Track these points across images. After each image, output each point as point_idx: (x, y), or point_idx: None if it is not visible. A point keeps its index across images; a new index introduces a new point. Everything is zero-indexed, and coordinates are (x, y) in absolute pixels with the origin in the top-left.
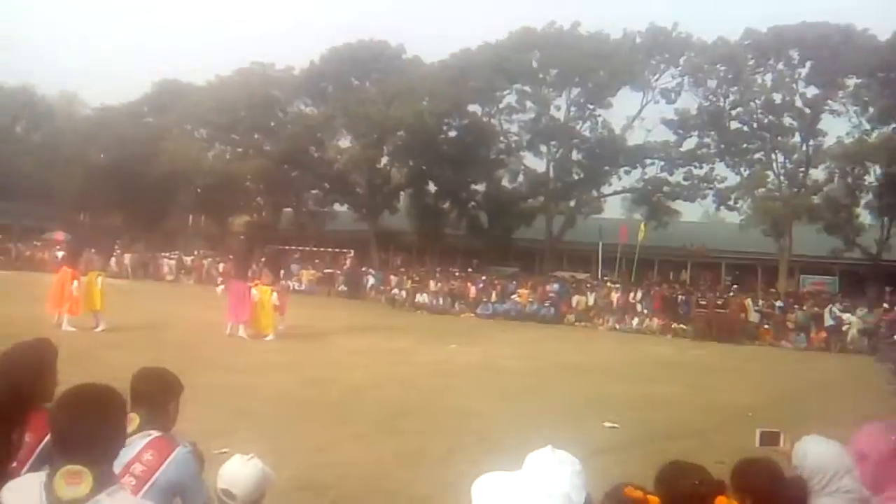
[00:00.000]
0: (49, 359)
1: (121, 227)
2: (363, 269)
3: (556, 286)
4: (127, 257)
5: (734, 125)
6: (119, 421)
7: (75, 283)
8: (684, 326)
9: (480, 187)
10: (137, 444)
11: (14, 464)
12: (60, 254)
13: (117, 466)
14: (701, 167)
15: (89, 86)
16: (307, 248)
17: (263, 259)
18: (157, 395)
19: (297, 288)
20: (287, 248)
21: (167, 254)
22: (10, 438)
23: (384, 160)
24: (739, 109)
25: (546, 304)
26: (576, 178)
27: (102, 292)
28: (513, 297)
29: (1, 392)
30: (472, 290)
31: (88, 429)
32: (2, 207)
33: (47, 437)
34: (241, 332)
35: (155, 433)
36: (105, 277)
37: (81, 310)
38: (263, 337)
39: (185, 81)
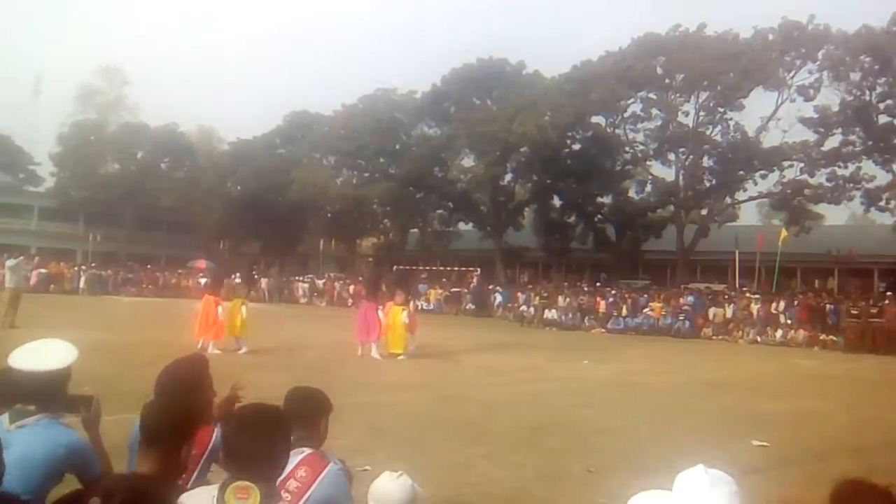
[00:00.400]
0: (207, 373)
1: (257, 253)
2: (490, 286)
3: (690, 298)
4: (263, 282)
5: (882, 119)
6: (287, 440)
7: (219, 308)
8: (834, 338)
9: (607, 199)
10: (292, 461)
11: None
12: (203, 281)
13: None
14: (846, 167)
15: (226, 121)
16: (434, 268)
17: (393, 280)
18: (310, 413)
19: (424, 308)
20: (414, 268)
21: (300, 277)
22: (180, 453)
23: (507, 177)
24: (889, 102)
25: (680, 318)
26: (707, 185)
27: (245, 318)
28: (645, 311)
29: (172, 407)
30: (602, 305)
31: (261, 446)
32: (149, 238)
33: (208, 451)
34: (373, 353)
35: (307, 450)
36: (247, 304)
37: (225, 335)
38: (396, 357)
39: (313, 112)
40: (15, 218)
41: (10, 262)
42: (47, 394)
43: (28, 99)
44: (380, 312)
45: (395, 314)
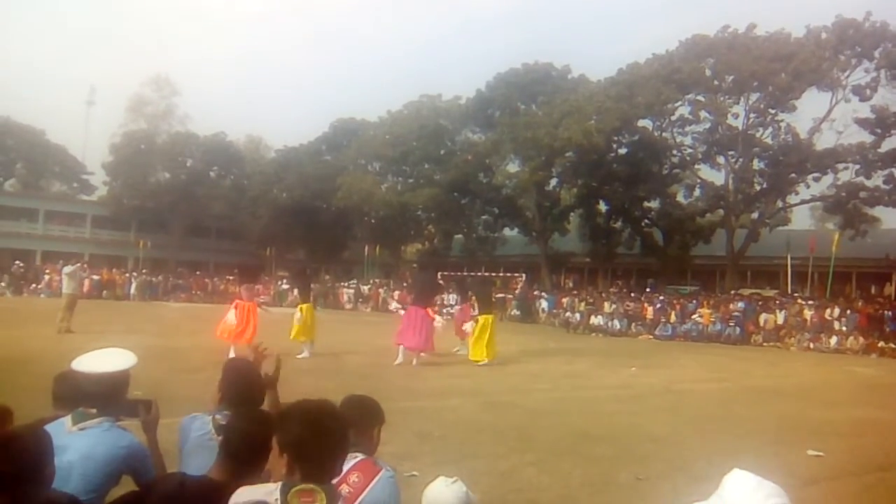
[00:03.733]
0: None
1: (304, 259)
2: (535, 292)
3: (740, 304)
4: (311, 288)
5: None
6: (347, 440)
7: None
8: (893, 345)
9: (654, 204)
10: (345, 466)
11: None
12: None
13: None
14: None
15: (273, 129)
16: (479, 274)
17: (471, 287)
18: (364, 420)
19: (470, 314)
20: (459, 274)
21: (345, 283)
22: (261, 465)
23: (553, 182)
24: None
25: (731, 324)
26: (758, 188)
27: (313, 322)
28: (693, 317)
29: (255, 427)
30: (650, 311)
31: (328, 445)
32: (199, 244)
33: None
34: (414, 362)
35: (360, 456)
36: (314, 309)
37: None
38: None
39: (359, 119)
40: (69, 226)
41: (67, 269)
42: (108, 397)
43: (82, 110)
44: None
45: (485, 323)
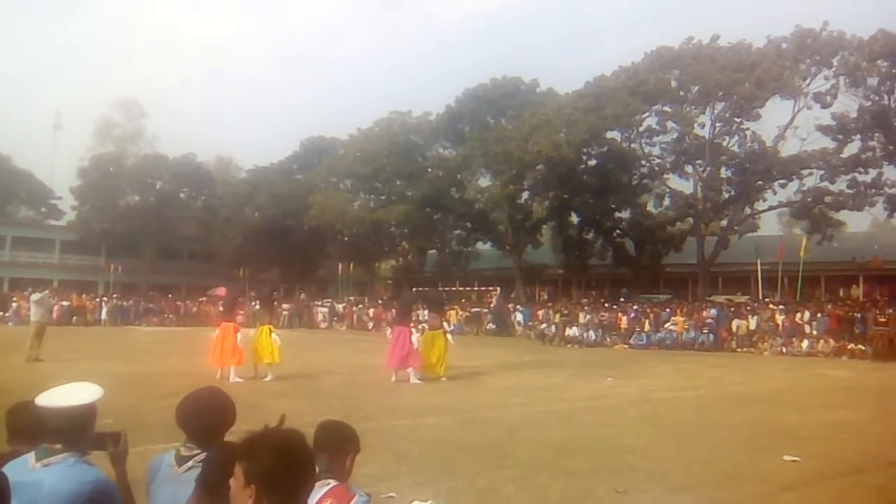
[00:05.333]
0: (230, 409)
1: (277, 279)
2: (510, 305)
3: (713, 311)
4: (284, 307)
5: None
6: (314, 466)
7: (238, 335)
8: (862, 347)
9: (625, 214)
10: (318, 493)
11: None
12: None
13: None
14: (867, 172)
15: (243, 150)
16: (453, 288)
17: (430, 303)
18: (339, 446)
19: (446, 329)
20: (434, 289)
21: (320, 302)
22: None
23: (524, 195)
24: None
25: (704, 331)
26: (726, 196)
27: (278, 345)
28: (667, 325)
29: (224, 454)
30: (624, 321)
31: (298, 475)
32: (169, 267)
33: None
34: (413, 379)
35: (334, 482)
36: (276, 331)
37: (246, 361)
38: (437, 379)
39: (329, 137)
40: (38, 251)
41: (35, 296)
42: (73, 431)
43: (48, 134)
44: (413, 338)
45: (433, 339)
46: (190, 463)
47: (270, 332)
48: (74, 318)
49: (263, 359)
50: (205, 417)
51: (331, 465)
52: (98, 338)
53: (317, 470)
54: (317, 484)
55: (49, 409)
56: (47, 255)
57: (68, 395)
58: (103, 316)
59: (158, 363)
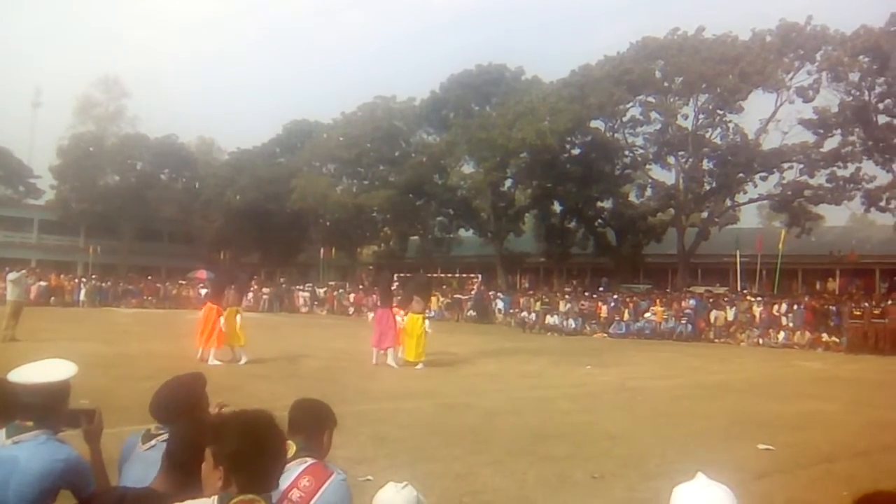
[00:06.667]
0: (202, 392)
1: (258, 263)
2: (491, 293)
3: (692, 302)
4: (264, 291)
5: (882, 119)
6: (285, 449)
7: (221, 319)
8: (836, 339)
9: (607, 204)
10: (295, 471)
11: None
12: (203, 291)
13: (275, 493)
14: (846, 167)
15: (226, 131)
16: (435, 275)
17: (411, 288)
18: (314, 424)
19: (426, 315)
20: (415, 275)
21: (301, 286)
22: (199, 474)
23: (507, 183)
24: (888, 102)
25: (683, 321)
26: (707, 187)
27: (241, 328)
28: (646, 315)
29: (192, 431)
30: (604, 310)
31: (267, 454)
32: (149, 249)
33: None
34: (389, 361)
35: (311, 460)
36: (242, 313)
37: (223, 344)
38: (414, 366)
39: (312, 121)
40: (15, 231)
41: (11, 276)
42: (46, 408)
43: (27, 112)
44: (399, 318)
45: (414, 323)
46: (153, 441)
47: (236, 313)
48: (52, 298)
49: (236, 342)
50: (168, 401)
51: (308, 442)
52: (76, 319)
53: (294, 449)
54: (294, 462)
55: (22, 385)
56: (25, 235)
57: (42, 371)
58: (82, 297)
59: (136, 345)
